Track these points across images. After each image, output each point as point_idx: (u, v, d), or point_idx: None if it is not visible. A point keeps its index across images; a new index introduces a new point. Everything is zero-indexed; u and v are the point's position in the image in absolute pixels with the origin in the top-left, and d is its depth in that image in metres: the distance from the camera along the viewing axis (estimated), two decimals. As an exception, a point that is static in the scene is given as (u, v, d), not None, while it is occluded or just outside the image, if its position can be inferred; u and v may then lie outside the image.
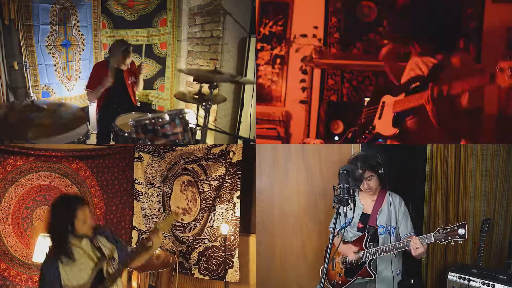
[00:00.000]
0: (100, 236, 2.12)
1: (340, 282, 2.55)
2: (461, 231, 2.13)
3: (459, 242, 2.14)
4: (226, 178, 3.43)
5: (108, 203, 3.73)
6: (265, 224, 3.28)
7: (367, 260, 2.45)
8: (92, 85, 3.97)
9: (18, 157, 3.23)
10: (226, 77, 3.34)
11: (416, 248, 2.24)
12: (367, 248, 2.45)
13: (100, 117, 4.03)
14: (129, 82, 4.08)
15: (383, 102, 2.65)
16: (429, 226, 3.00)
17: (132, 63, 4.16)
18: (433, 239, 2.20)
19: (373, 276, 2.46)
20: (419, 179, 3.04)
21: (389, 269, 2.50)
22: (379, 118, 2.65)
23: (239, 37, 4.45)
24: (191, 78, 4.56)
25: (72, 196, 2.25)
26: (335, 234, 2.04)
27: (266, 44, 4.24)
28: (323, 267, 2.67)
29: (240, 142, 3.76)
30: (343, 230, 2.37)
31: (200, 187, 3.56)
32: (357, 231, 2.54)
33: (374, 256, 2.43)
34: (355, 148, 2.90)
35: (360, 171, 2.42)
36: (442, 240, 2.17)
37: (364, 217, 2.53)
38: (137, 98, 4.34)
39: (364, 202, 2.56)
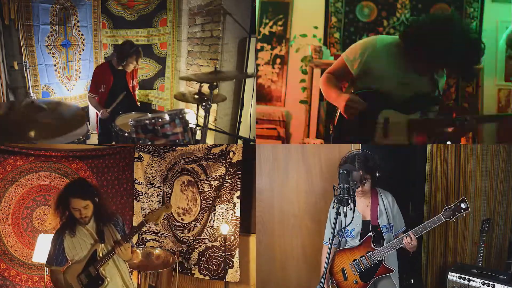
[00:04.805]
0: (110, 223, 2.39)
1: None
2: (464, 205, 2.29)
3: (463, 215, 2.30)
4: (226, 178, 3.43)
5: (108, 203, 3.72)
6: (265, 224, 3.28)
7: (382, 258, 2.43)
8: (94, 89, 3.98)
9: (18, 157, 3.23)
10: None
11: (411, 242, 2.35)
12: (375, 248, 2.44)
13: (102, 118, 4.02)
14: (131, 85, 4.09)
15: None
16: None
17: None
18: (443, 218, 2.31)
19: (394, 270, 2.45)
20: (419, 179, 3.04)
21: (396, 262, 2.52)
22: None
23: (239, 37, 4.45)
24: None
25: (71, 186, 2.39)
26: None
27: (266, 44, 4.24)
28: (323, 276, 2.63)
29: (240, 142, 3.75)
30: (339, 237, 2.43)
31: (200, 187, 3.56)
32: (359, 238, 2.51)
33: (388, 252, 2.43)
34: (355, 148, 2.89)
35: (360, 172, 2.40)
36: (451, 217, 2.30)
37: (366, 224, 2.50)
38: (137, 98, 4.33)
39: (360, 208, 2.52)
